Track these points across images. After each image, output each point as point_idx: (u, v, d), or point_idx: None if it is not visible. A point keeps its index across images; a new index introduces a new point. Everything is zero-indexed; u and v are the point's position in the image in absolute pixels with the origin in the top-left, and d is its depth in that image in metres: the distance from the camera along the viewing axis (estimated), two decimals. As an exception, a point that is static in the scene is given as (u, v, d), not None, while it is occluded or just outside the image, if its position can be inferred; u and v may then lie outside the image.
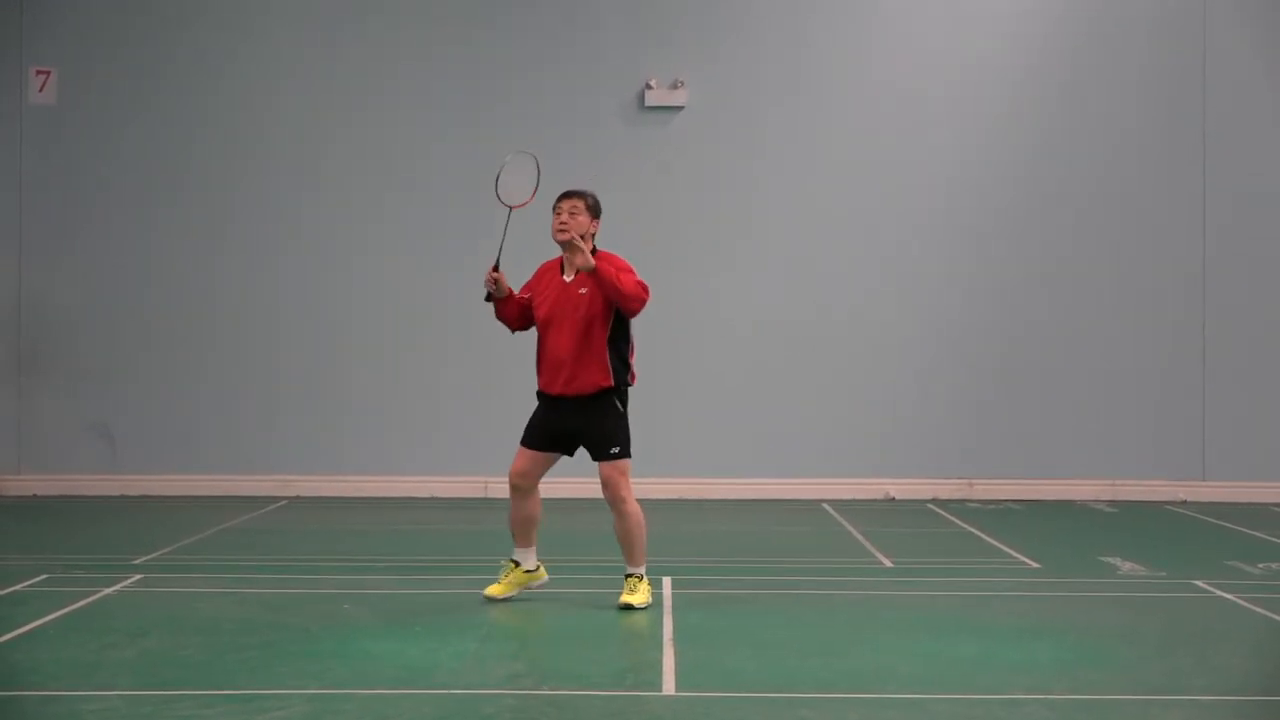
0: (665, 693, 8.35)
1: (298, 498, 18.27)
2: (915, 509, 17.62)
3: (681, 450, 18.42)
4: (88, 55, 18.69)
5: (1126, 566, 12.98)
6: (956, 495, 18.48)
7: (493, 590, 11.07)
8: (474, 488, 17.91)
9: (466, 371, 18.41)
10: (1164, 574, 12.61)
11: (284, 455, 18.64)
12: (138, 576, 12.05)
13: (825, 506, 17.67)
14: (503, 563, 11.26)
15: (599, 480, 10.84)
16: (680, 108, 18.67)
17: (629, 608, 10.74)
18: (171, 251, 18.70)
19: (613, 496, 10.79)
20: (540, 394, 10.99)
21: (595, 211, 10.97)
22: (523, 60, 18.74)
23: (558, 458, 11.05)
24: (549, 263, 11.16)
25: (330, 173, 18.75)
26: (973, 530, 15.66)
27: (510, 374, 17.79)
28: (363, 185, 18.71)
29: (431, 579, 11.74)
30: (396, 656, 9.25)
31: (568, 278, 10.90)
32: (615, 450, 10.77)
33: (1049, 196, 18.72)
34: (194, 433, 18.67)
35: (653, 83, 18.60)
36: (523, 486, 10.95)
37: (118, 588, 11.51)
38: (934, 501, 18.22)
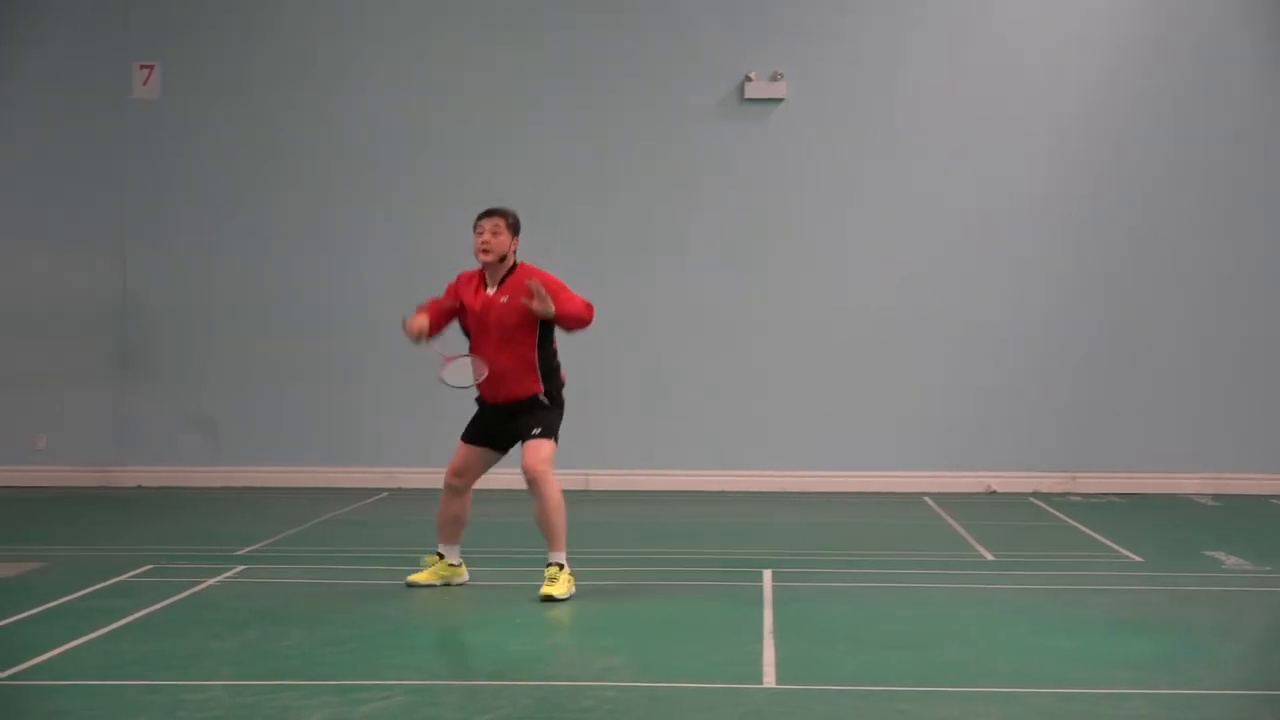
0: (765, 685, 8.34)
1: (400, 489, 18.37)
2: (1016, 502, 17.52)
3: (783, 443, 18.42)
4: (188, 51, 18.84)
5: (1231, 561, 12.85)
6: (1058, 489, 18.36)
7: (416, 577, 11.28)
8: (575, 480, 17.86)
9: (568, 364, 18.41)
10: (1269, 569, 12.48)
11: (387, 447, 18.74)
12: (240, 568, 12.16)
13: (926, 499, 17.61)
14: (424, 559, 11.40)
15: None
16: (780, 100, 18.62)
17: (550, 599, 10.75)
18: (273, 245, 18.83)
19: (530, 473, 10.84)
20: (479, 400, 11.18)
21: (515, 229, 11.04)
22: (621, 53, 18.72)
23: (495, 457, 11.25)
24: (467, 274, 11.20)
25: (427, 166, 18.80)
26: (1074, 524, 15.55)
27: (610, 366, 17.85)
28: (459, 177, 18.71)
29: (532, 571, 11.73)
30: (496, 648, 9.29)
31: (490, 290, 10.96)
32: (538, 430, 10.93)
33: (1153, 186, 18.52)
34: (296, 424, 18.81)
35: (752, 75, 18.56)
36: (456, 486, 11.20)
37: (220, 579, 11.62)
38: (1035, 495, 18.11)
